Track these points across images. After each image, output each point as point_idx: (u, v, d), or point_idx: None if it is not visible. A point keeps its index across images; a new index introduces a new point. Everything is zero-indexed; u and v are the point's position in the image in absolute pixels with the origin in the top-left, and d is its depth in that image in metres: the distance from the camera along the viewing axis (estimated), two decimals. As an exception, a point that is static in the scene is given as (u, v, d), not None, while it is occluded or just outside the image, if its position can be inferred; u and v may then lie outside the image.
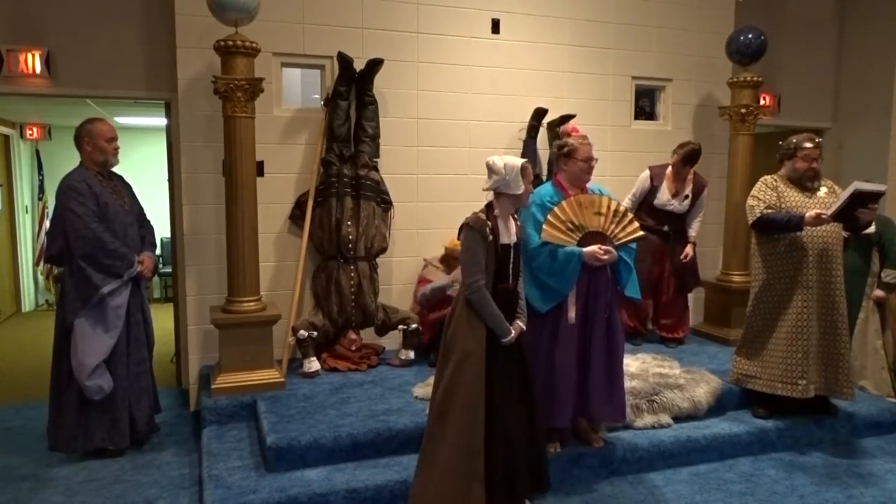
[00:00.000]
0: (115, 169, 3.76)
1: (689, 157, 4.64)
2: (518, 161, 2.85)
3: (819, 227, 3.65)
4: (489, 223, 2.80)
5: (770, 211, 3.72)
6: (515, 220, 2.97)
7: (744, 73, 5.03)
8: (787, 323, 3.73)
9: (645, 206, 4.84)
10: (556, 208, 3.15)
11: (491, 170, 2.85)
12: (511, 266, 2.89)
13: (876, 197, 3.54)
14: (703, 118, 5.45)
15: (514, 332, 2.84)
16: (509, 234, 2.88)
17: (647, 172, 4.80)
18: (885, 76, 6.07)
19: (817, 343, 3.70)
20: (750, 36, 4.91)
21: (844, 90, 6.47)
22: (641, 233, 3.25)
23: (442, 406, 2.77)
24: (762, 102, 5.70)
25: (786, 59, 6.16)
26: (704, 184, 4.84)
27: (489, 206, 2.89)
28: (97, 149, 3.60)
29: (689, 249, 4.87)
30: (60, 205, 3.51)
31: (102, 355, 3.50)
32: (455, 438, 2.73)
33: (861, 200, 3.50)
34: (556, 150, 3.33)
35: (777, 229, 3.70)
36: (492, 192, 2.89)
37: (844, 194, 3.52)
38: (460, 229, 2.87)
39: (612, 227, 3.19)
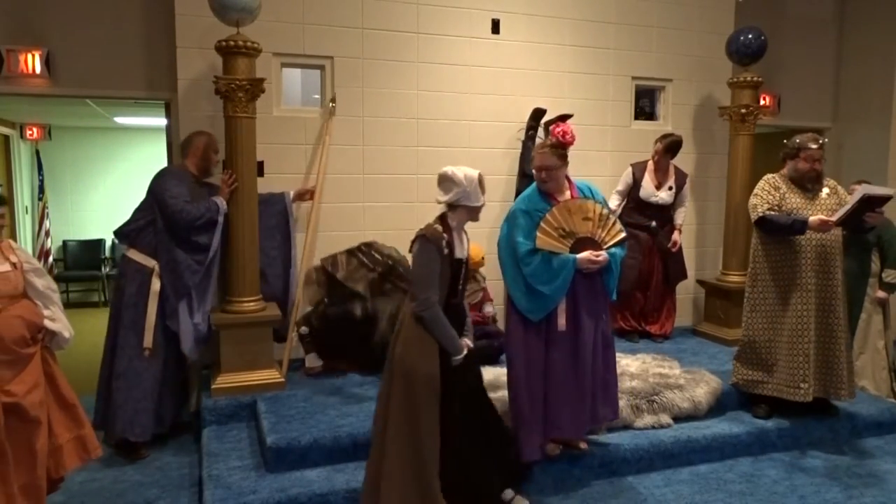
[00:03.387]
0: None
1: (671, 147, 4.81)
2: (475, 172, 2.77)
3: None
4: (445, 236, 2.69)
5: (773, 213, 3.69)
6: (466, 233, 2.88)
7: (744, 73, 5.03)
8: (788, 325, 3.70)
9: (631, 201, 4.93)
10: (548, 215, 3.10)
11: (451, 181, 2.73)
12: (461, 281, 2.81)
13: (884, 201, 3.51)
14: (703, 118, 5.45)
15: (464, 350, 2.74)
16: (462, 247, 2.80)
17: (629, 169, 4.94)
18: (885, 76, 6.08)
19: (815, 345, 3.69)
20: (750, 36, 4.91)
21: (844, 90, 6.47)
22: (624, 234, 3.22)
23: (397, 429, 2.62)
24: (762, 102, 5.71)
25: (786, 59, 6.17)
26: (686, 175, 4.99)
27: (443, 218, 2.77)
28: (206, 158, 3.90)
29: (675, 236, 4.94)
30: (158, 187, 3.68)
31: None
32: (415, 463, 2.60)
33: (869, 205, 3.49)
34: (558, 158, 3.17)
35: (780, 231, 3.68)
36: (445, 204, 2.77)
37: (853, 199, 3.50)
38: (413, 241, 2.73)
39: (600, 231, 3.16)
